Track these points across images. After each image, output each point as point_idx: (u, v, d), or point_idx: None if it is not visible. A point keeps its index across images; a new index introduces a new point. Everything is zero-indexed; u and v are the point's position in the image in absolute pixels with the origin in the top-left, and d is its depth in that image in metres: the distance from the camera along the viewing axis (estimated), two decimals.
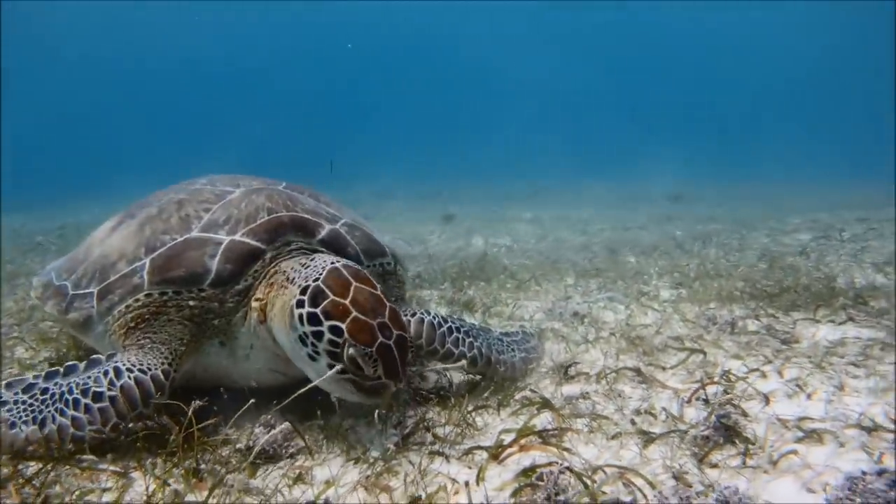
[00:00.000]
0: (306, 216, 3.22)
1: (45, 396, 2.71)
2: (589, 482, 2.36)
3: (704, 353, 3.84)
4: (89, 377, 2.76)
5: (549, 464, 2.49)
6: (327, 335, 2.50)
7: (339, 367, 2.52)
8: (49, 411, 2.66)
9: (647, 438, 2.76)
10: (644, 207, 15.86)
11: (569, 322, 4.84)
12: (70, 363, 2.87)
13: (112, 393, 2.70)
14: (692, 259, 7.39)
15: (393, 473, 2.56)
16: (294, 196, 3.43)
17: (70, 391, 2.70)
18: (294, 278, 2.78)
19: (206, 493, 2.31)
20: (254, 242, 3.02)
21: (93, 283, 3.19)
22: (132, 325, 2.98)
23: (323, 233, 3.19)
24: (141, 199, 3.92)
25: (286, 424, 2.67)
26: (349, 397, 2.63)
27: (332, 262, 2.75)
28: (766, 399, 3.16)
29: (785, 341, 4.13)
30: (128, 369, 2.78)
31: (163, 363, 2.84)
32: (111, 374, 2.75)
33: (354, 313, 2.51)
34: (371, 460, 2.65)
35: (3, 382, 2.78)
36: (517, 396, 3.30)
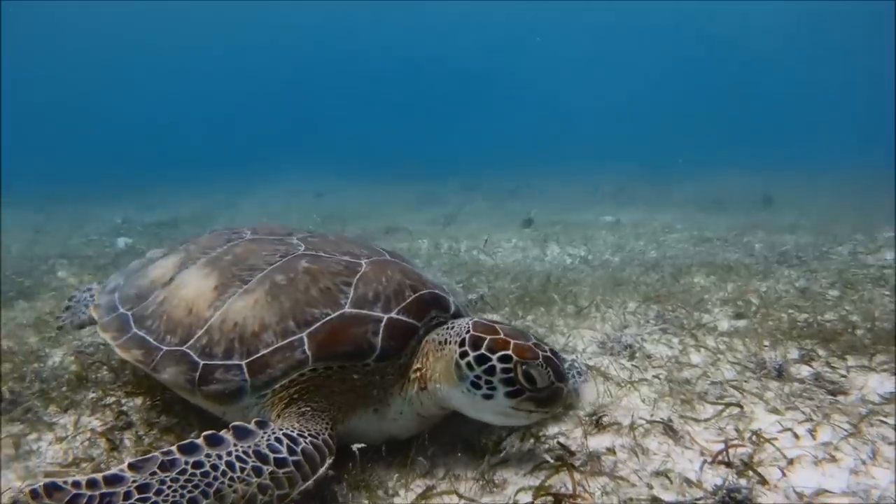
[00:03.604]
0: (439, 292, 3.58)
1: (203, 470, 2.60)
2: None
3: (741, 407, 3.87)
4: (258, 445, 2.76)
5: None
6: (499, 365, 2.90)
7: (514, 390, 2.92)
8: (222, 483, 2.57)
9: None
10: (731, 211, 15.53)
11: (619, 357, 4.92)
12: (209, 433, 2.78)
13: (295, 458, 2.74)
14: (763, 282, 7.28)
15: None
16: (417, 270, 3.83)
17: (241, 460, 2.67)
18: (446, 340, 3.16)
19: None
20: (410, 320, 3.34)
21: (234, 354, 3.26)
22: (295, 396, 3.17)
23: (453, 307, 3.57)
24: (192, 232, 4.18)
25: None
26: (529, 419, 3.05)
27: (470, 320, 3.19)
28: (788, 465, 3.19)
29: (832, 392, 4.10)
30: (299, 434, 2.89)
31: (326, 428, 3.03)
32: (286, 441, 2.80)
33: (513, 341, 2.96)
34: None
35: (127, 464, 2.61)
36: (542, 448, 3.43)
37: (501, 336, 2.97)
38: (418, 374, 3.22)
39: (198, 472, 2.60)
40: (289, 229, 4.40)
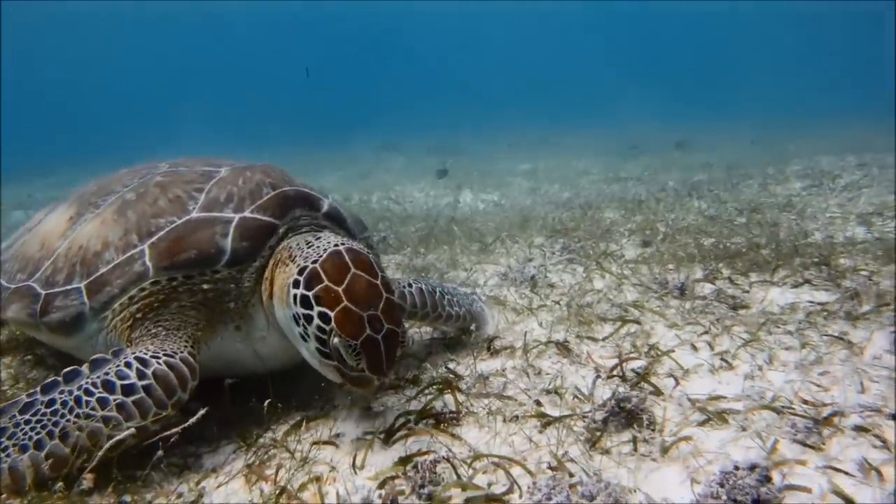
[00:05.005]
0: (307, 190, 3.10)
1: (53, 408, 2.37)
2: (466, 471, 2.30)
3: (639, 324, 3.72)
4: (107, 373, 2.45)
5: (427, 452, 2.43)
6: (316, 321, 2.44)
7: (325, 351, 2.48)
8: (68, 421, 2.33)
9: (545, 422, 2.67)
10: (648, 155, 15.59)
11: (520, 287, 4.73)
12: (69, 369, 2.50)
13: (145, 382, 2.42)
14: (672, 213, 7.20)
15: (278, 461, 2.52)
16: (285, 172, 3.30)
17: (88, 392, 2.39)
18: (296, 256, 2.69)
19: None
20: (266, 218, 2.88)
21: (75, 277, 2.93)
22: (139, 315, 2.79)
23: (325, 206, 3.10)
24: (85, 182, 3.78)
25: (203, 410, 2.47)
26: (336, 380, 2.56)
27: (336, 245, 2.64)
28: (684, 375, 3.05)
29: (734, 307, 3.99)
30: (153, 356, 2.53)
31: (185, 346, 2.67)
32: (136, 365, 2.46)
33: (345, 303, 2.43)
34: (257, 447, 2.62)
35: None
36: (428, 373, 3.22)
37: (338, 289, 2.45)
38: (267, 281, 2.82)
39: (48, 410, 2.37)
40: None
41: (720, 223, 6.34)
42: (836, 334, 3.37)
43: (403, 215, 8.09)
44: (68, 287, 2.92)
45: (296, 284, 2.53)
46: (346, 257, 2.57)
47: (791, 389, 2.81)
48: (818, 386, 2.85)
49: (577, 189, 10.18)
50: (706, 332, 3.58)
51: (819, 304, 3.91)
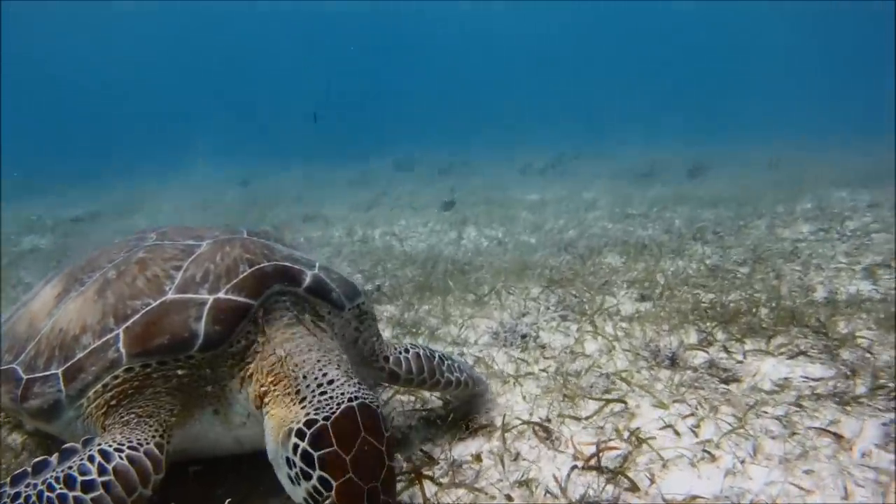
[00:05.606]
0: (287, 264, 2.97)
1: (18, 502, 2.34)
2: None
3: (625, 403, 3.62)
4: (70, 467, 2.40)
5: None
6: (314, 482, 2.25)
7: None
8: None
9: None
10: (660, 180, 15.51)
11: (511, 348, 4.66)
12: (39, 459, 2.47)
13: (105, 478, 2.35)
14: (674, 261, 7.09)
15: None
16: (268, 244, 3.20)
17: (50, 488, 2.34)
18: (305, 396, 2.49)
19: None
20: (241, 298, 2.76)
21: (53, 362, 2.87)
22: (113, 402, 2.70)
23: (307, 280, 2.96)
24: (75, 254, 3.73)
25: None
26: None
27: (350, 398, 2.42)
28: (663, 467, 2.96)
29: (725, 380, 3.89)
30: (116, 449, 2.47)
31: (153, 436, 2.58)
32: (98, 459, 2.42)
33: (350, 475, 2.23)
34: None
35: None
36: (401, 458, 3.15)
37: (346, 458, 2.24)
38: (258, 386, 2.66)
39: None
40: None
41: (721, 274, 6.23)
42: (823, 425, 3.25)
43: (403, 258, 8.00)
44: (47, 373, 2.86)
45: (300, 435, 2.33)
46: (359, 416, 2.37)
47: (770, 494, 2.70)
48: (799, 488, 2.74)
49: (583, 226, 10.05)
50: (692, 415, 3.48)
51: (813, 380, 3.80)
